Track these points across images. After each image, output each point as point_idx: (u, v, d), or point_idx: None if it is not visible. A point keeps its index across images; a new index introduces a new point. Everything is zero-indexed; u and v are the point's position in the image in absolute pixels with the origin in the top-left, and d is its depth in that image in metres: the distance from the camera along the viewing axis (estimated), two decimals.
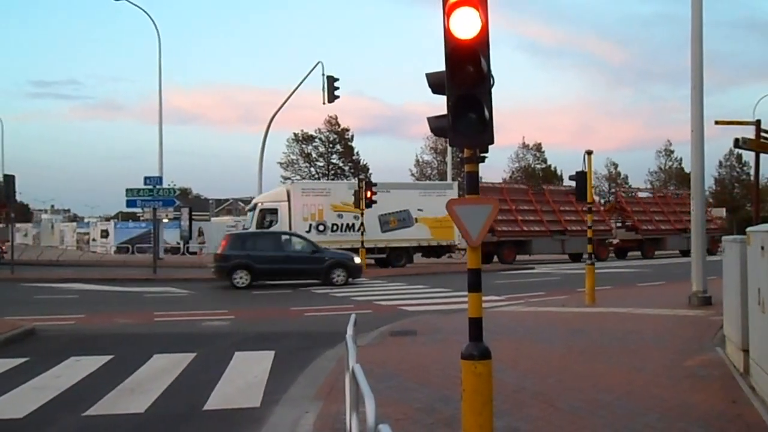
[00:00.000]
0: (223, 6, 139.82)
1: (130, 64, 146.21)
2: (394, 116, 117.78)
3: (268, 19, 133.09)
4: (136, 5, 31.88)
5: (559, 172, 70.46)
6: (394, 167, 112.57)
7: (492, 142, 5.10)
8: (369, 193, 27.91)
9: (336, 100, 32.66)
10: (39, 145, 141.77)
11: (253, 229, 28.89)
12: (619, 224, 41.12)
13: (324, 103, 32.75)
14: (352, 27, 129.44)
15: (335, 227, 30.52)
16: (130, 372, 8.73)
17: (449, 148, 46.09)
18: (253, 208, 30.68)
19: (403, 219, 31.56)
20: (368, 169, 69.85)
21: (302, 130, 69.70)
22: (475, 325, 5.08)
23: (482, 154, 5.26)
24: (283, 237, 24.13)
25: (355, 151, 71.21)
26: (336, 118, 69.43)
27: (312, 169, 69.22)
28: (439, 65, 5.08)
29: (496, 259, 33.95)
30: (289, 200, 30.49)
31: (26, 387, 8.03)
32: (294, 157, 69.49)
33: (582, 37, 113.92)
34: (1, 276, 26.06)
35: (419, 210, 31.68)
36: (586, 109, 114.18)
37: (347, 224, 30.37)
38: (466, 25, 4.88)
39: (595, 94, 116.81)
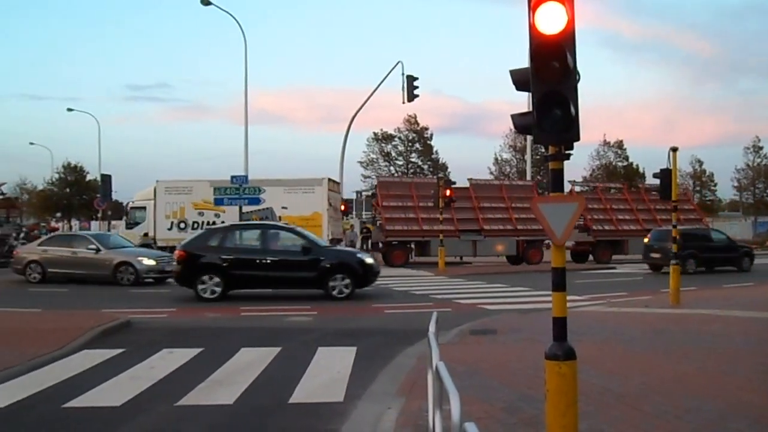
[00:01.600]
0: (305, 9, 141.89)
1: (218, 68, 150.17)
2: (473, 114, 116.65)
3: (349, 20, 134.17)
4: (223, 10, 32.68)
5: (641, 170, 68.26)
6: (473, 165, 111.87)
7: (578, 139, 4.96)
8: (448, 192, 27.77)
9: (415, 99, 32.68)
10: (133, 146, 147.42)
11: (123, 228, 29.25)
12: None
13: (403, 103, 32.85)
14: (432, 26, 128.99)
15: (195, 225, 30.18)
16: (219, 364, 8.95)
17: (528, 146, 45.42)
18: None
19: (266, 218, 29.38)
20: (447, 167, 69.58)
21: (382, 130, 70.08)
22: (560, 325, 4.96)
23: (567, 152, 5.12)
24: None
25: (434, 149, 71.05)
26: (415, 117, 69.44)
27: (391, 167, 69.45)
28: (520, 62, 4.98)
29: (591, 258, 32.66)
30: (155, 198, 30.87)
31: (123, 376, 8.34)
32: (374, 156, 69.95)
33: (666, 30, 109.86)
34: None
35: (283, 208, 30.08)
36: (670, 105, 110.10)
37: (208, 222, 29.62)
38: (551, 19, 4.76)
39: (679, 89, 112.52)
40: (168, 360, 9.40)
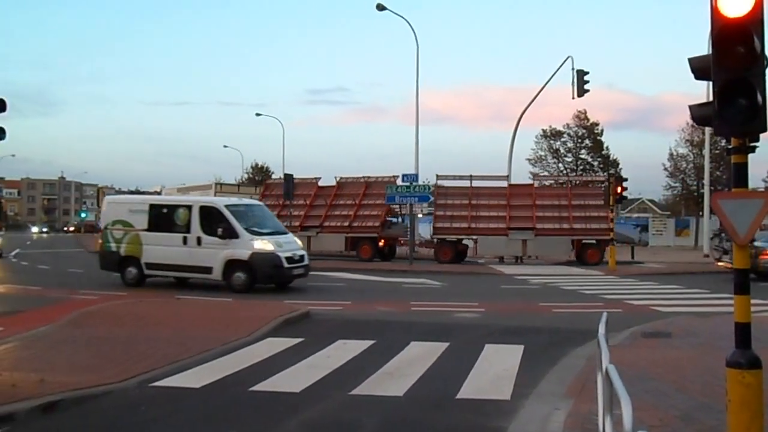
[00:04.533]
0: (475, 9, 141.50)
1: (392, 70, 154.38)
2: (646, 108, 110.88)
3: (518, 17, 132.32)
4: (397, 14, 33.41)
5: None
6: (646, 162, 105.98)
7: (764, 130, 4.51)
8: (619, 189, 26.53)
9: (585, 94, 31.56)
10: (314, 147, 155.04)
11: None
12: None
13: (573, 98, 31.87)
14: (603, 18, 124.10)
15: None
16: (390, 357, 9.14)
17: (707, 140, 42.21)
18: None
19: None
20: (618, 164, 66.34)
21: (550, 126, 68.18)
22: (743, 331, 4.56)
23: (752, 144, 4.68)
24: None
25: (605, 145, 68.03)
26: (585, 112, 66.79)
27: (560, 164, 67.40)
28: (699, 50, 4.62)
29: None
30: None
31: (302, 365, 8.76)
32: (542, 153, 68.14)
33: None
34: None
35: None
36: None
37: None
38: (737, 1, 4.36)
39: None
40: (343, 350, 9.74)
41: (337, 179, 33.76)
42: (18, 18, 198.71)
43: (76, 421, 6.41)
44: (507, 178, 33.29)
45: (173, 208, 18.88)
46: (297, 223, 31.09)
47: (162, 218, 18.65)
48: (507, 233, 29.17)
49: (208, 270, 17.64)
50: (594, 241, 28.83)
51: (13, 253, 38.16)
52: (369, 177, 33.22)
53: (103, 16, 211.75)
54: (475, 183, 31.62)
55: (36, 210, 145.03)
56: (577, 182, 31.85)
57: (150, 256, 18.45)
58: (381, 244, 31.19)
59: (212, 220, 17.80)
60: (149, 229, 18.59)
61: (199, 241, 17.73)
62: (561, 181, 32.92)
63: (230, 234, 17.48)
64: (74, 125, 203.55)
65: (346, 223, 30.96)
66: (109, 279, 19.93)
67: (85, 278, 21.85)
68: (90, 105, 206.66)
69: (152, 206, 19.13)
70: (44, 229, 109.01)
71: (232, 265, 17.41)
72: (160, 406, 6.82)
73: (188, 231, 17.99)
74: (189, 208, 18.35)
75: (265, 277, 17.59)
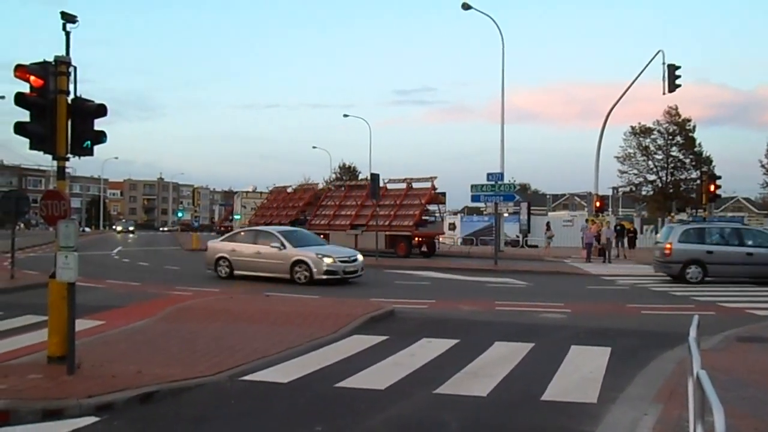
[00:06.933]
0: (561, 4, 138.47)
1: (478, 68, 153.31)
2: (743, 102, 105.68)
3: (607, 12, 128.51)
4: (483, 12, 33.14)
5: None
6: (741, 159, 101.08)
7: None
8: (712, 187, 25.41)
9: (677, 90, 30.31)
10: (399, 147, 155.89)
11: None
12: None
13: (664, 93, 30.63)
14: (695, 9, 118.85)
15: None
16: (474, 356, 9.09)
17: None
18: None
19: None
20: (711, 161, 63.53)
21: (640, 123, 65.91)
22: None
23: None
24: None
25: (697, 142, 65.19)
26: (676, 108, 64.17)
27: (650, 162, 65.06)
28: None
29: None
30: None
31: (387, 362, 8.82)
32: (631, 151, 65.94)
33: None
34: (368, 262, 29.03)
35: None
36: None
37: None
38: None
39: None
40: (427, 349, 9.75)
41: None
42: (121, 28, 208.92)
43: (171, 412, 6.68)
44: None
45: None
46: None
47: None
48: (346, 229, 34.93)
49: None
50: (404, 235, 33.14)
51: (115, 250, 40.16)
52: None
53: (199, 24, 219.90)
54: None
55: (137, 209, 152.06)
56: (410, 185, 36.01)
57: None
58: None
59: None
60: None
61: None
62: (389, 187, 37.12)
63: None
64: (172, 128, 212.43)
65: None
66: (203, 275, 20.82)
67: (181, 275, 22.78)
68: (187, 109, 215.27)
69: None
70: (130, 228, 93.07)
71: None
72: (249, 400, 7.02)
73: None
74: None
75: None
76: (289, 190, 45.98)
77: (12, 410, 6.23)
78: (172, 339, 10.02)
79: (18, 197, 19.84)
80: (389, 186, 35.99)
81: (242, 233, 22.68)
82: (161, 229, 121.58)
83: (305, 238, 21.53)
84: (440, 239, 35.37)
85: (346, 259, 20.03)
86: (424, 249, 33.62)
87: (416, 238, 33.33)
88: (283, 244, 19.93)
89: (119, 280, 20.43)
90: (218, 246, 21.58)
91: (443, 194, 36.82)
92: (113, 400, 6.64)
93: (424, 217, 34.12)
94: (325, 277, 19.19)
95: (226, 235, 24.31)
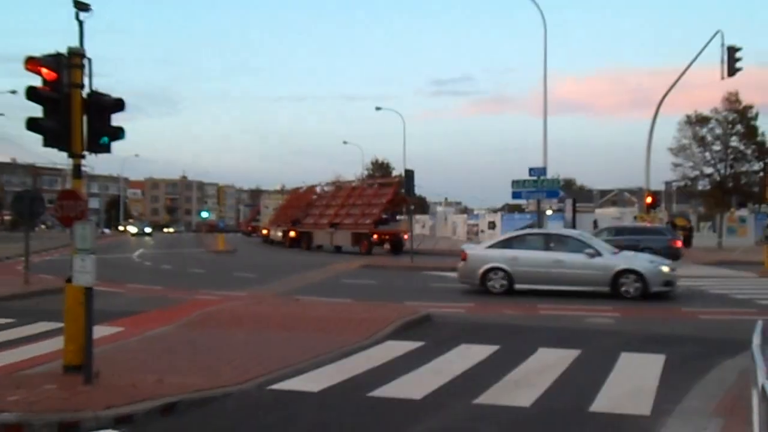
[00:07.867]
0: None
1: (519, 56, 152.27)
2: None
3: None
4: None
5: None
6: None
7: None
8: None
9: (737, 74, 29.68)
10: (436, 141, 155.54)
11: None
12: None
13: (722, 78, 29.98)
14: None
15: None
16: (516, 364, 9.02)
17: None
18: None
19: None
20: None
21: (696, 111, 64.68)
22: None
23: None
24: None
25: (760, 131, 63.75)
26: (736, 94, 62.72)
27: (707, 154, 63.85)
28: None
29: None
30: None
31: (423, 369, 8.80)
32: (686, 142, 64.72)
33: None
34: (402, 264, 29.09)
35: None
36: None
37: None
38: None
39: None
40: (466, 355, 9.71)
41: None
42: (140, 19, 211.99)
43: (195, 423, 6.72)
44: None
45: None
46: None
47: None
48: (326, 228, 40.91)
49: None
50: (365, 233, 38.13)
51: (137, 253, 40.76)
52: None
53: (222, 14, 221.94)
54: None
55: (159, 210, 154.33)
56: (373, 184, 42.31)
57: None
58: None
59: None
60: None
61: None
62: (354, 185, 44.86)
63: None
64: (196, 124, 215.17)
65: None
66: (229, 279, 20.96)
67: (205, 279, 23.02)
68: (211, 102, 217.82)
69: None
70: (146, 229, 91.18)
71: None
72: (278, 410, 7.05)
73: None
74: None
75: None
76: (301, 190, 50.00)
77: (25, 423, 6.24)
78: (196, 346, 10.11)
79: (32, 198, 19.54)
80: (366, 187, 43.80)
81: (524, 237, 19.16)
82: (164, 230, 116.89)
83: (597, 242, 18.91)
84: (406, 237, 36.92)
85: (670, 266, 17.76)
86: (386, 246, 38.05)
87: (375, 236, 38.04)
88: (598, 252, 17.28)
89: (141, 284, 20.73)
90: (487, 254, 18.26)
91: (416, 195, 41.48)
92: (133, 412, 6.66)
93: (384, 216, 39.09)
94: (665, 289, 16.97)
95: (490, 241, 20.79)
